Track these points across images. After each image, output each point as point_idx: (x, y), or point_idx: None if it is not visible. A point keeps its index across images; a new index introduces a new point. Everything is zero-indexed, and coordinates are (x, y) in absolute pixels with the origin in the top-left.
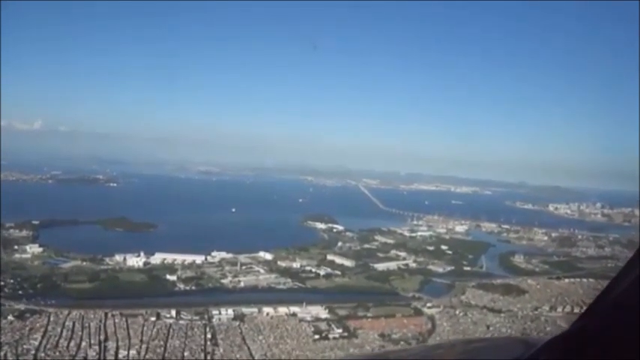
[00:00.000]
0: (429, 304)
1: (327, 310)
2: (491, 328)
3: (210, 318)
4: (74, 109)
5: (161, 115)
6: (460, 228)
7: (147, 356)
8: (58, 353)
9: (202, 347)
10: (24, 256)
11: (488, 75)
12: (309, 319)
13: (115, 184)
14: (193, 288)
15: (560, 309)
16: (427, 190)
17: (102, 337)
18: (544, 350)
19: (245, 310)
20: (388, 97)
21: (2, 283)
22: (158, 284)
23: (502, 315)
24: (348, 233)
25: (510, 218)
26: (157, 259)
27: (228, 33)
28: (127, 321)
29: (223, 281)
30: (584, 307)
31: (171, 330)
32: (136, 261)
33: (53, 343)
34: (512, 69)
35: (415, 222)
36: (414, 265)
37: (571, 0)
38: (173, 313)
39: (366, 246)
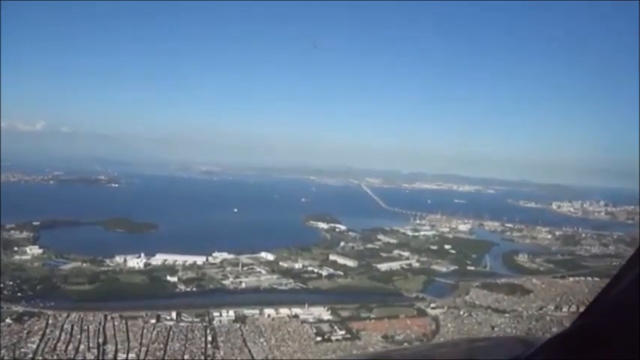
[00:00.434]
0: (432, 305)
1: (329, 312)
2: (496, 329)
3: (210, 320)
4: (76, 110)
5: (163, 115)
6: (463, 227)
7: (146, 359)
8: (55, 357)
9: (203, 350)
10: (24, 257)
11: (490, 73)
12: (311, 320)
13: (116, 185)
14: (194, 289)
15: (565, 308)
16: (429, 189)
17: (101, 340)
18: (543, 350)
19: (246, 311)
20: (390, 95)
21: (1, 285)
22: (158, 286)
23: (507, 315)
24: (350, 233)
25: (513, 217)
26: (157, 260)
27: (229, 33)
28: (126, 323)
29: (224, 282)
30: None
31: (171, 332)
32: (136, 262)
33: (51, 347)
34: (515, 67)
35: (418, 221)
36: (417, 264)
37: (574, 0)
38: (173, 315)
39: (369, 246)
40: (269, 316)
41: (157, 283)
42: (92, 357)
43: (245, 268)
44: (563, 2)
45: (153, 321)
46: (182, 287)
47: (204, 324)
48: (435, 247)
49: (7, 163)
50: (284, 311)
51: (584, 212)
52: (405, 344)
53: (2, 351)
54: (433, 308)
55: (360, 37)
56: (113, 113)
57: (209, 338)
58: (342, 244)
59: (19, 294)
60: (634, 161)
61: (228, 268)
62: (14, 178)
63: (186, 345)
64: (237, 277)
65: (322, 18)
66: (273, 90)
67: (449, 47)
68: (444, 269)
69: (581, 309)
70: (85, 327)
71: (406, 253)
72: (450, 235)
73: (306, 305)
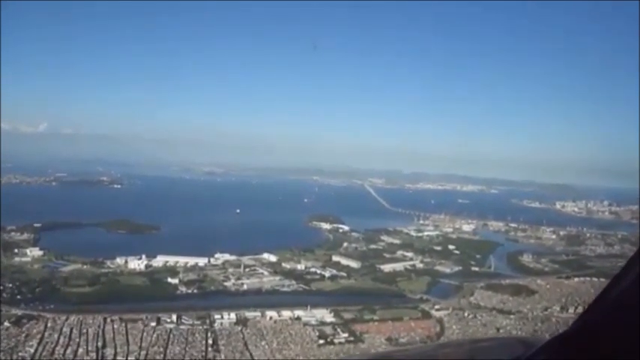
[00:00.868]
0: (437, 307)
1: (332, 314)
2: (501, 331)
3: (211, 323)
4: (78, 111)
5: (165, 116)
6: (467, 227)
7: None
8: None
9: (203, 353)
10: (24, 259)
11: (492, 73)
12: (313, 323)
13: (118, 186)
14: (195, 291)
15: (571, 309)
16: (433, 189)
17: (100, 344)
18: (544, 350)
19: (248, 314)
20: (393, 95)
21: (0, 288)
22: (159, 288)
23: (512, 317)
24: (353, 233)
25: (517, 217)
26: (159, 261)
27: (231, 33)
28: (126, 326)
29: (226, 284)
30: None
31: (171, 335)
32: (137, 264)
33: (49, 350)
34: (517, 67)
35: (421, 221)
36: (421, 265)
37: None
38: (174, 317)
39: (372, 246)
40: (271, 318)
41: (158, 285)
42: None
43: (247, 270)
44: (565, 2)
45: (153, 324)
46: (183, 289)
47: (205, 327)
48: (438, 248)
49: (9, 165)
50: (286, 313)
51: (588, 212)
52: (409, 347)
53: (0, 355)
54: (437, 310)
55: (362, 37)
56: (115, 114)
57: (210, 341)
58: (345, 244)
59: (18, 296)
60: (637, 161)
61: (230, 270)
62: (16, 179)
63: (187, 348)
64: (238, 278)
65: (324, 18)
66: (275, 90)
67: (451, 47)
68: (448, 270)
69: None
70: (84, 330)
71: (410, 254)
72: (454, 236)
73: (309, 307)
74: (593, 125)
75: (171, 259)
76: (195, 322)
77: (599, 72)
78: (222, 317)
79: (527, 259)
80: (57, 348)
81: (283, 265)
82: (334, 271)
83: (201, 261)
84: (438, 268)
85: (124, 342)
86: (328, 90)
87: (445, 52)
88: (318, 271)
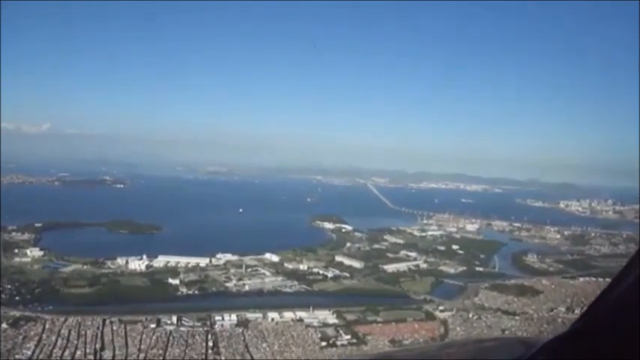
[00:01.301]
0: (441, 308)
1: (334, 315)
2: (506, 332)
3: (212, 324)
4: (82, 112)
5: (169, 116)
6: (471, 227)
7: None
8: None
9: (203, 356)
10: (24, 259)
11: (496, 74)
12: (316, 324)
13: (121, 186)
14: (196, 292)
15: (577, 310)
16: (436, 189)
17: (98, 346)
18: (544, 350)
19: (249, 315)
20: (397, 95)
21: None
22: (160, 288)
23: (517, 318)
24: (356, 233)
25: (521, 216)
26: (160, 262)
27: (236, 33)
28: (125, 328)
29: (228, 285)
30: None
31: (171, 337)
32: (138, 264)
33: (47, 353)
34: (521, 68)
35: (425, 221)
36: (424, 265)
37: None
38: (174, 319)
39: (376, 246)
40: (272, 319)
41: (159, 285)
42: None
43: (249, 270)
44: (565, 3)
45: (153, 325)
46: (184, 290)
47: (206, 328)
48: (442, 248)
49: (12, 165)
50: (288, 315)
51: (593, 211)
52: (411, 347)
53: None
54: (442, 311)
55: (366, 37)
56: (119, 114)
57: (210, 343)
58: (348, 244)
59: (16, 297)
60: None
61: (232, 270)
62: (18, 179)
63: (186, 351)
64: (240, 279)
65: (328, 18)
66: (279, 91)
67: (454, 47)
68: (452, 270)
69: None
70: (83, 332)
71: (413, 254)
72: (458, 235)
73: (311, 308)
74: (596, 124)
75: (173, 260)
76: (196, 324)
77: (602, 71)
78: (222, 319)
79: (531, 259)
80: (54, 350)
81: (285, 265)
82: (337, 272)
83: (203, 261)
84: (442, 268)
85: (122, 344)
86: (332, 90)
87: (448, 53)
88: (321, 272)
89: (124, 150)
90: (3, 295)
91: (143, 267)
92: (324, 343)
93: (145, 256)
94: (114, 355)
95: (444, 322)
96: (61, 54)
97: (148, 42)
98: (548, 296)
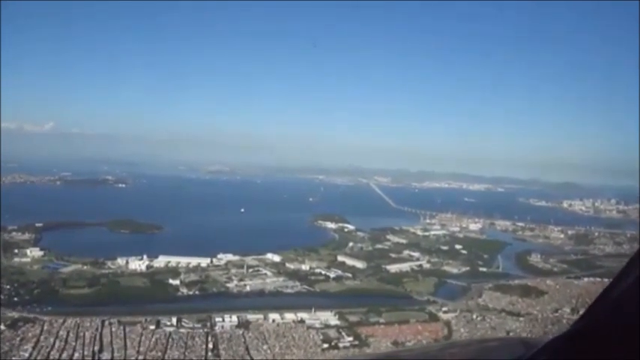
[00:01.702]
0: (444, 309)
1: (336, 316)
2: (511, 334)
3: (212, 326)
4: (85, 111)
5: (172, 116)
6: (474, 226)
7: None
8: None
9: (202, 358)
10: (24, 260)
11: (499, 73)
12: (317, 326)
13: (123, 185)
14: (197, 293)
15: (582, 311)
16: (439, 188)
17: (96, 348)
18: (545, 350)
19: (250, 316)
20: (399, 94)
21: None
22: (160, 289)
23: (522, 319)
24: (359, 233)
25: (525, 216)
26: (160, 262)
27: (238, 33)
28: (124, 330)
29: (228, 285)
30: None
31: (170, 339)
32: (138, 264)
33: (44, 355)
34: (524, 67)
35: (428, 220)
36: (427, 265)
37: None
38: (174, 320)
39: (378, 246)
40: (274, 321)
41: (159, 286)
42: None
43: (250, 270)
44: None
45: (152, 327)
46: (184, 291)
47: (206, 330)
48: (445, 248)
49: (14, 165)
50: (289, 316)
51: (596, 211)
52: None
53: None
54: (445, 312)
55: (368, 36)
56: (122, 114)
57: (210, 345)
58: (350, 244)
59: (15, 298)
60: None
61: (233, 271)
62: (20, 179)
63: (186, 353)
64: (241, 279)
65: (330, 17)
66: (281, 90)
67: (457, 47)
68: (455, 270)
69: None
70: (81, 333)
71: (416, 254)
72: (461, 235)
73: (313, 309)
74: (597, 124)
75: (173, 260)
76: (196, 325)
77: (604, 71)
78: (223, 320)
79: (535, 258)
80: (52, 352)
81: (287, 265)
82: (339, 272)
83: (204, 261)
84: (445, 268)
85: (121, 346)
86: (334, 89)
87: (450, 52)
88: (323, 272)
89: (126, 149)
90: (2, 296)
91: (143, 267)
92: (325, 345)
93: (145, 257)
94: (112, 357)
95: (448, 324)
96: (63, 53)
97: (149, 41)
98: (552, 297)
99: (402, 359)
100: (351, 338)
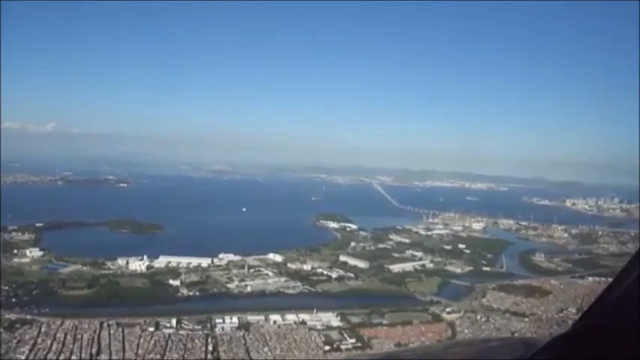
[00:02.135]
0: (448, 309)
1: (338, 317)
2: (516, 335)
3: (212, 327)
4: (87, 111)
5: (174, 115)
6: (477, 225)
7: None
8: None
9: None
10: (23, 260)
11: (502, 72)
12: (319, 327)
13: (125, 185)
14: (197, 294)
15: None
16: (442, 187)
17: (94, 350)
18: (545, 350)
19: (251, 318)
20: (402, 94)
21: None
22: (160, 290)
23: (526, 320)
24: (361, 232)
25: (528, 215)
26: (160, 262)
27: (241, 32)
28: (123, 331)
29: (229, 286)
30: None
31: (169, 341)
32: (138, 265)
33: (41, 357)
34: (527, 66)
35: (431, 220)
36: (430, 265)
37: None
38: (173, 322)
39: (381, 246)
40: (275, 322)
41: (159, 287)
42: None
43: (251, 271)
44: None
45: (151, 329)
46: (184, 291)
47: (206, 332)
48: (448, 247)
49: (16, 164)
50: (291, 317)
51: (599, 209)
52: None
53: None
54: (449, 313)
55: (370, 36)
56: (123, 114)
57: (210, 347)
58: (352, 244)
59: (13, 300)
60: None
61: (234, 271)
62: (22, 178)
63: (185, 355)
64: (242, 280)
65: (332, 17)
66: (283, 89)
67: (460, 46)
68: (458, 270)
69: None
70: (79, 335)
71: (419, 254)
72: (464, 234)
73: (315, 310)
74: (598, 122)
75: (174, 260)
76: (196, 327)
77: (605, 70)
78: (223, 321)
79: (539, 258)
80: (49, 355)
81: (289, 265)
82: (341, 272)
83: (205, 261)
84: (449, 268)
85: (119, 348)
86: (336, 88)
87: (452, 51)
88: (325, 272)
89: (128, 149)
90: (0, 298)
91: (144, 267)
92: (327, 347)
93: (145, 257)
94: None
95: (452, 325)
96: (65, 53)
97: (151, 41)
98: (557, 297)
99: (403, 359)
100: (353, 340)
